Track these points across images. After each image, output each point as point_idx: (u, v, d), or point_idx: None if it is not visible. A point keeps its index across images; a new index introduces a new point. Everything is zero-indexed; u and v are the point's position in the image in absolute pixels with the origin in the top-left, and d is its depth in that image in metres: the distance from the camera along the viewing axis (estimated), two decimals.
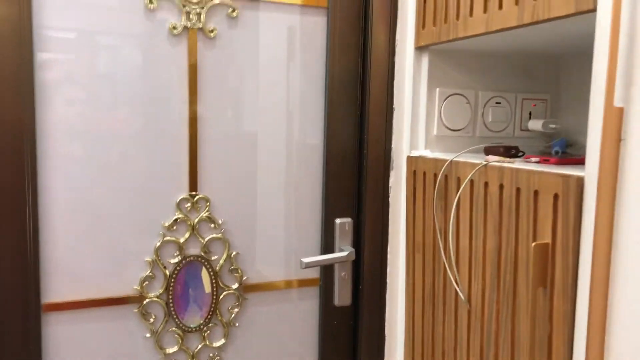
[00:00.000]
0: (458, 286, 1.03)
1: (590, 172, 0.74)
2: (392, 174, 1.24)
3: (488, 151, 1.09)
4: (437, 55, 1.18)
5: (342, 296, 1.27)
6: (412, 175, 1.18)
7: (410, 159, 1.20)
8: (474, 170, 0.97)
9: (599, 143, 0.72)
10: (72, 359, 1.09)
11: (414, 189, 1.18)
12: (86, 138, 1.05)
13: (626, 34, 0.69)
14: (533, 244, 0.81)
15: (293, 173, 1.23)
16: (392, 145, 1.23)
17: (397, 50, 1.21)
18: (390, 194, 1.24)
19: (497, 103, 1.25)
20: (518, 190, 0.87)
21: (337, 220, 1.25)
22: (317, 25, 1.21)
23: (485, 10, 0.96)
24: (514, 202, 0.88)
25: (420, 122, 1.20)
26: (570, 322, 0.78)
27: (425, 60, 1.18)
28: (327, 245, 1.27)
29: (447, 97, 1.20)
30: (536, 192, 0.84)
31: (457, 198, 1.02)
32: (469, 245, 1.00)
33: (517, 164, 0.92)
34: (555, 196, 0.80)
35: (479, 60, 1.22)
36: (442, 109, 1.19)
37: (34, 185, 1.01)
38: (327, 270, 1.28)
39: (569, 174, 0.78)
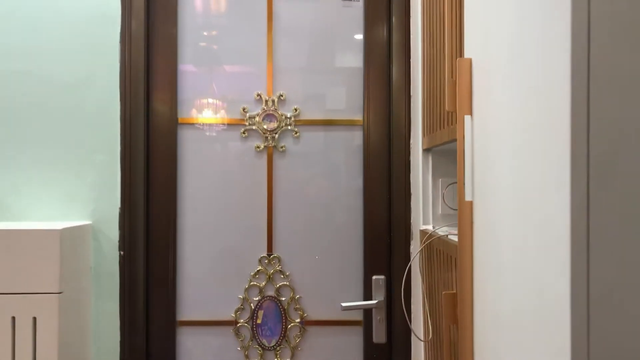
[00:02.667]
0: (428, 326, 1.39)
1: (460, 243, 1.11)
2: (412, 242, 1.64)
3: None
4: (439, 155, 1.59)
5: (378, 335, 1.68)
6: (422, 243, 1.58)
7: (421, 232, 1.60)
8: (429, 240, 1.35)
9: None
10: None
11: (423, 254, 1.57)
12: (206, 218, 1.71)
13: (469, 152, 1.07)
14: (443, 293, 1.18)
15: (341, 241, 1.72)
16: (411, 221, 1.65)
17: (412, 152, 1.65)
18: (412, 258, 1.65)
19: None
20: (447, 255, 1.25)
21: (374, 277, 1.69)
22: (356, 137, 1.72)
23: (442, 127, 1.38)
24: (446, 262, 1.26)
25: (429, 204, 1.60)
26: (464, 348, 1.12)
27: (430, 158, 1.60)
28: (368, 295, 1.70)
29: (449, 185, 1.58)
30: (450, 257, 1.21)
31: (425, 260, 1.41)
32: (437, 296, 1.37)
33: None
34: (455, 259, 1.17)
35: None
36: (445, 194, 1.58)
37: (174, 248, 1.69)
38: (367, 314, 1.71)
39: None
